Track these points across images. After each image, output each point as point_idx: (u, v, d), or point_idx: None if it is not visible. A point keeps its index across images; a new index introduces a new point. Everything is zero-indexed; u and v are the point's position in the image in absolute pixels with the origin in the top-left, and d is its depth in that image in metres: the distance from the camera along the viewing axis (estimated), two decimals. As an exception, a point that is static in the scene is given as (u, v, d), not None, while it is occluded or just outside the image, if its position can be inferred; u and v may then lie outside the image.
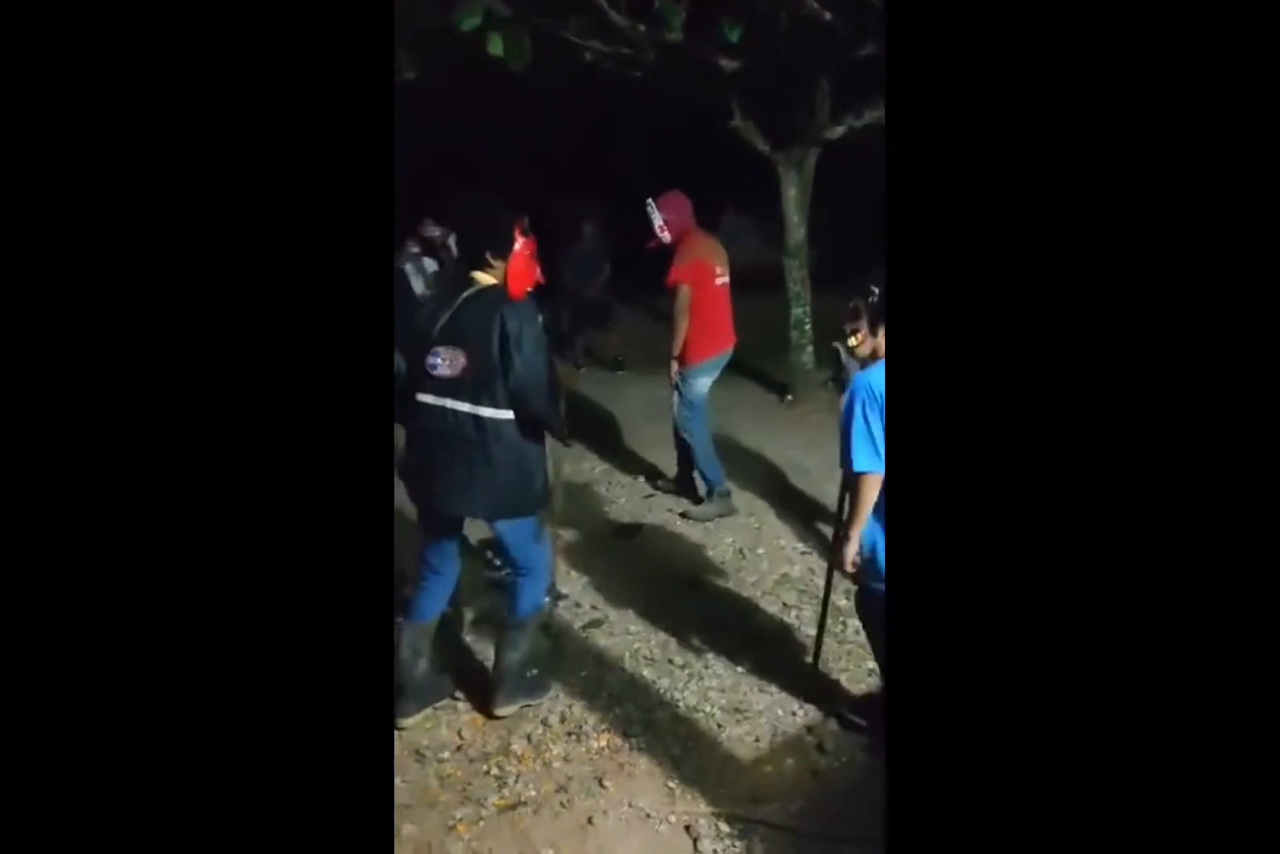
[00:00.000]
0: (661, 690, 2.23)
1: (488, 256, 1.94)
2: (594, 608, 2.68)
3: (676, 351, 3.31)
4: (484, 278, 1.96)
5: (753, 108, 4.51)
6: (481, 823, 1.78)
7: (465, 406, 1.92)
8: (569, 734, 2.06)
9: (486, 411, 1.90)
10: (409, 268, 5.88)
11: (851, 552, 1.79)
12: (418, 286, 5.89)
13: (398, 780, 1.90)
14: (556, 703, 2.18)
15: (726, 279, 3.40)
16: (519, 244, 1.95)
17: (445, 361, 1.90)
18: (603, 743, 2.02)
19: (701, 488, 3.45)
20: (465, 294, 1.94)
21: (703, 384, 3.35)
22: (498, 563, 2.88)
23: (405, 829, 1.75)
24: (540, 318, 1.98)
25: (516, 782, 1.90)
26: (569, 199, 6.96)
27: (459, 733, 2.07)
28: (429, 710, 2.14)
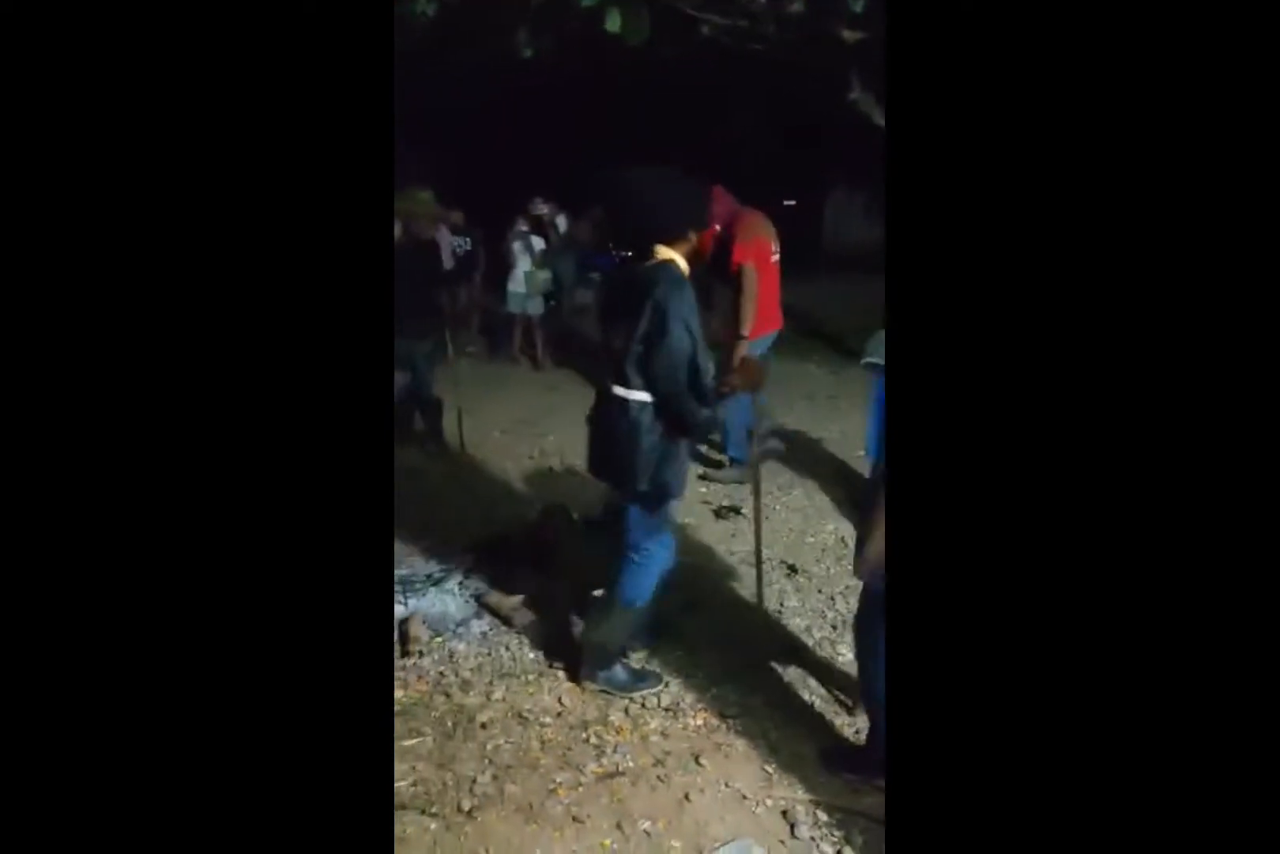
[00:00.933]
0: (759, 674, 2.22)
1: (689, 232, 1.89)
2: (691, 588, 2.69)
3: (747, 331, 3.27)
4: (664, 252, 1.89)
5: (873, 80, 4.33)
6: (580, 788, 1.83)
7: (609, 381, 1.93)
8: (666, 710, 2.09)
9: (619, 390, 1.89)
10: (517, 245, 6.00)
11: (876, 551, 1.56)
12: (524, 264, 6.01)
13: (501, 741, 1.98)
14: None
15: (778, 256, 3.40)
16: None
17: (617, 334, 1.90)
18: (699, 722, 2.04)
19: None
20: (644, 265, 1.90)
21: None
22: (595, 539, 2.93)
23: (508, 789, 1.83)
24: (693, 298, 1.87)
25: (614, 752, 1.94)
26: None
27: (559, 700, 2.13)
28: (532, 676, 2.21)
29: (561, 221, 6.33)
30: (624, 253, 6.13)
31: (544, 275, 5.96)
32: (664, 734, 2.00)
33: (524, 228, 6.06)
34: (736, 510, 3.29)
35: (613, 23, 3.61)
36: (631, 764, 1.90)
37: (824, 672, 2.23)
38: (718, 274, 3.37)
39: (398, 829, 1.71)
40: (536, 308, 5.97)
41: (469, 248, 6.29)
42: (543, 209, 6.13)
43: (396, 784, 1.83)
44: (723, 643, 2.38)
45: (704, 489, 3.53)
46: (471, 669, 2.26)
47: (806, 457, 3.73)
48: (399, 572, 2.77)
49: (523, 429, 4.41)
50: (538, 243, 6.04)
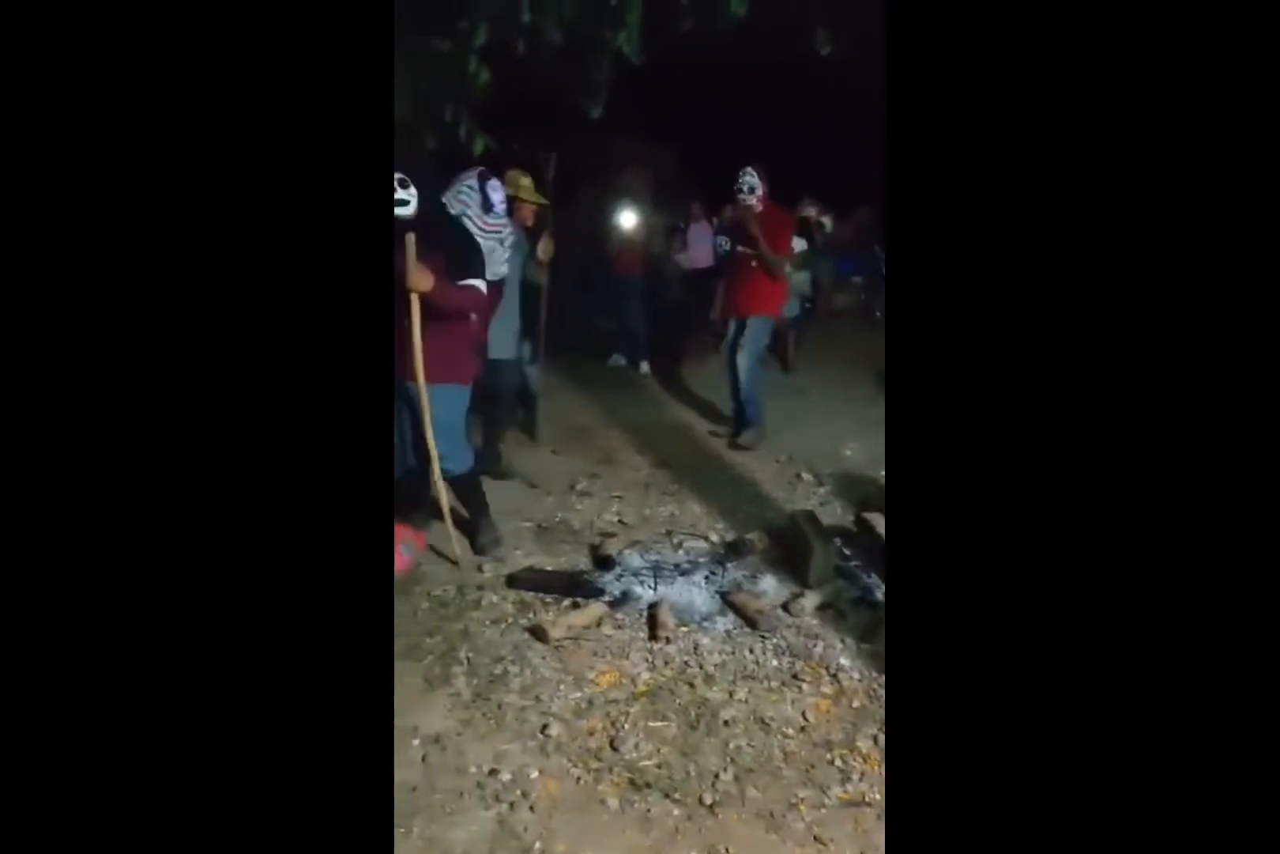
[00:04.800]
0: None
1: None
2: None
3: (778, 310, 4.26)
4: None
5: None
6: (823, 810, 1.76)
7: None
8: (918, 747, 1.96)
9: None
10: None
11: None
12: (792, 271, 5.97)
13: (743, 742, 1.97)
14: (906, 711, 2.09)
15: None
16: None
17: None
18: (957, 767, 1.89)
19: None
20: None
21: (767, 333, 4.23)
22: (847, 552, 2.83)
23: (749, 792, 1.81)
24: None
25: (860, 780, 1.85)
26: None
27: (804, 714, 2.08)
28: (775, 684, 2.19)
29: (828, 222, 6.20)
30: (891, 256, 5.88)
31: (801, 277, 5.87)
32: (915, 772, 1.88)
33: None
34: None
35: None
36: (878, 797, 1.80)
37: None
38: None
39: (641, 807, 1.76)
40: (792, 310, 5.90)
41: (728, 248, 6.36)
42: (810, 210, 6.04)
43: (642, 763, 1.89)
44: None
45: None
46: (715, 665, 2.28)
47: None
48: (650, 557, 2.87)
49: (769, 432, 4.39)
50: (799, 244, 5.96)
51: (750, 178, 3.93)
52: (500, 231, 2.94)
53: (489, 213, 2.87)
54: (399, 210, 2.46)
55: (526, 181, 3.68)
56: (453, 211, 2.82)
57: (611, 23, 3.26)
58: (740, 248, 4.07)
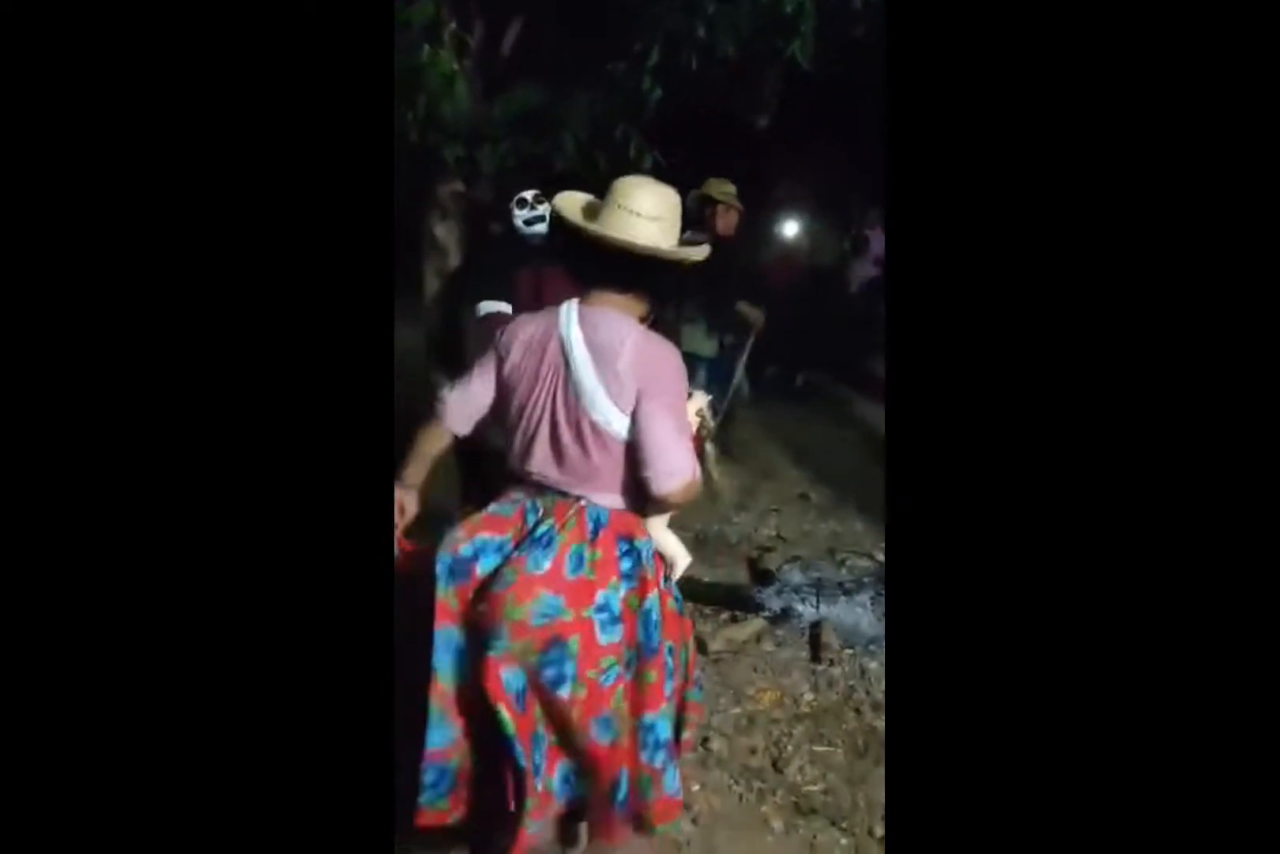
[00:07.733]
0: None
1: None
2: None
3: None
4: None
5: None
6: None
7: None
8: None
9: None
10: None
11: None
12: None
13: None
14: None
15: None
16: None
17: None
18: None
19: None
20: None
21: None
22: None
23: None
24: None
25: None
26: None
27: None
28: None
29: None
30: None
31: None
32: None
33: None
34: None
35: None
36: None
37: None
38: None
39: (807, 833, 1.70)
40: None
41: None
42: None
43: (806, 788, 1.83)
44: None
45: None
46: (884, 692, 2.17)
47: None
48: (812, 574, 2.79)
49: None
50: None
51: None
52: None
53: None
54: (538, 227, 2.15)
55: (730, 188, 3.61)
56: None
57: (784, 32, 3.24)
58: None
